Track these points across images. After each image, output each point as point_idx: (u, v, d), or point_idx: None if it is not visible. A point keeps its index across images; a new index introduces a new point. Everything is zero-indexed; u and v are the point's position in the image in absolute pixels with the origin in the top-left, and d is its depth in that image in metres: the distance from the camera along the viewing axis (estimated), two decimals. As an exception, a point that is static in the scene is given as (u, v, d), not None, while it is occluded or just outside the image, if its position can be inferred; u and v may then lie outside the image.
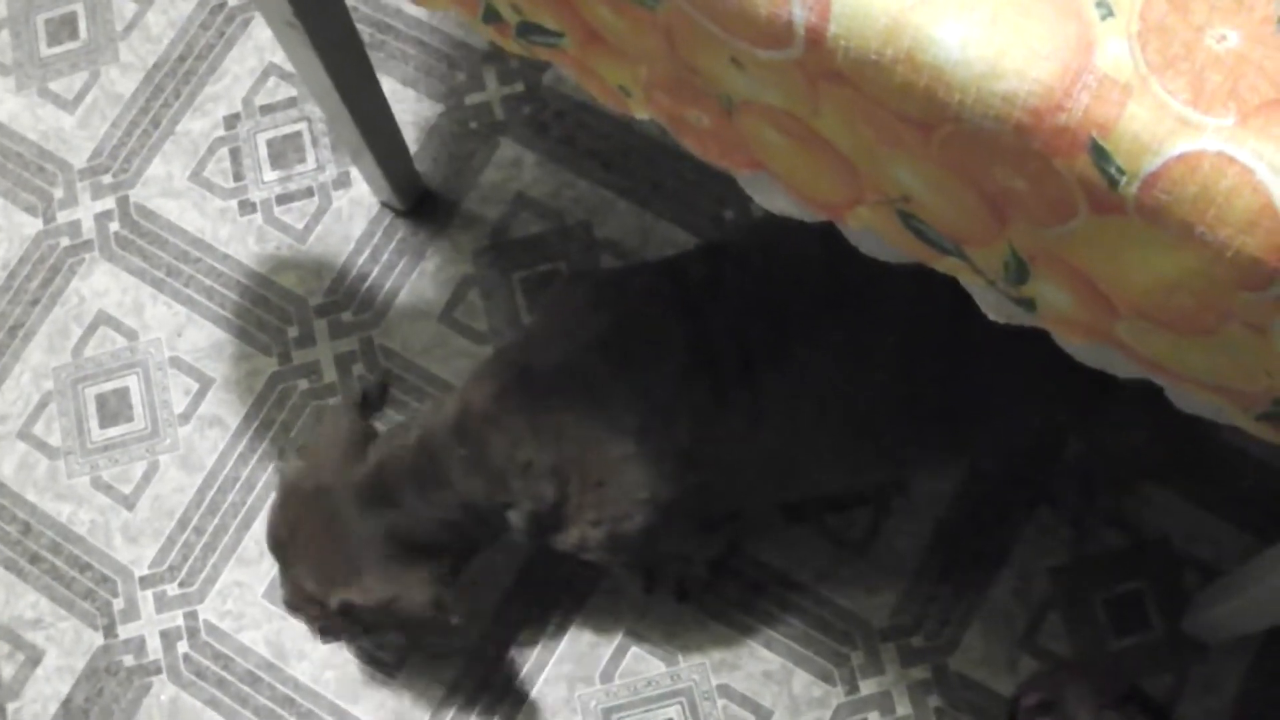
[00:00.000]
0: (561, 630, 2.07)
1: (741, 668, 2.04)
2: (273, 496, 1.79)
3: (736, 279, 1.64)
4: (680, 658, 2.06)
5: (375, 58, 2.31)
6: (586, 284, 1.71)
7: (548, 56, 1.30)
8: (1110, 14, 0.89)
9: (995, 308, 1.20)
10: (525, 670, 2.06)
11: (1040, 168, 0.94)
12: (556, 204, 2.23)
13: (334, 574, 1.71)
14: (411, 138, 2.27)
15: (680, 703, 2.04)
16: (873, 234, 1.21)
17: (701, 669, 2.05)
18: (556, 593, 2.09)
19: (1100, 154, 0.90)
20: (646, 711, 2.04)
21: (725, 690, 2.04)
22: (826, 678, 2.03)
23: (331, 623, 1.76)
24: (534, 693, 2.06)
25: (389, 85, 2.30)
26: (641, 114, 1.28)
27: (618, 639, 2.07)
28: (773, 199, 1.26)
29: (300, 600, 1.77)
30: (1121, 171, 0.90)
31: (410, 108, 2.29)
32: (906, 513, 2.08)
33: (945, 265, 1.19)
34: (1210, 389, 1.10)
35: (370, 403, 1.86)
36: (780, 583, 2.07)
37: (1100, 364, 1.19)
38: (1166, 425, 1.66)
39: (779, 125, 1.12)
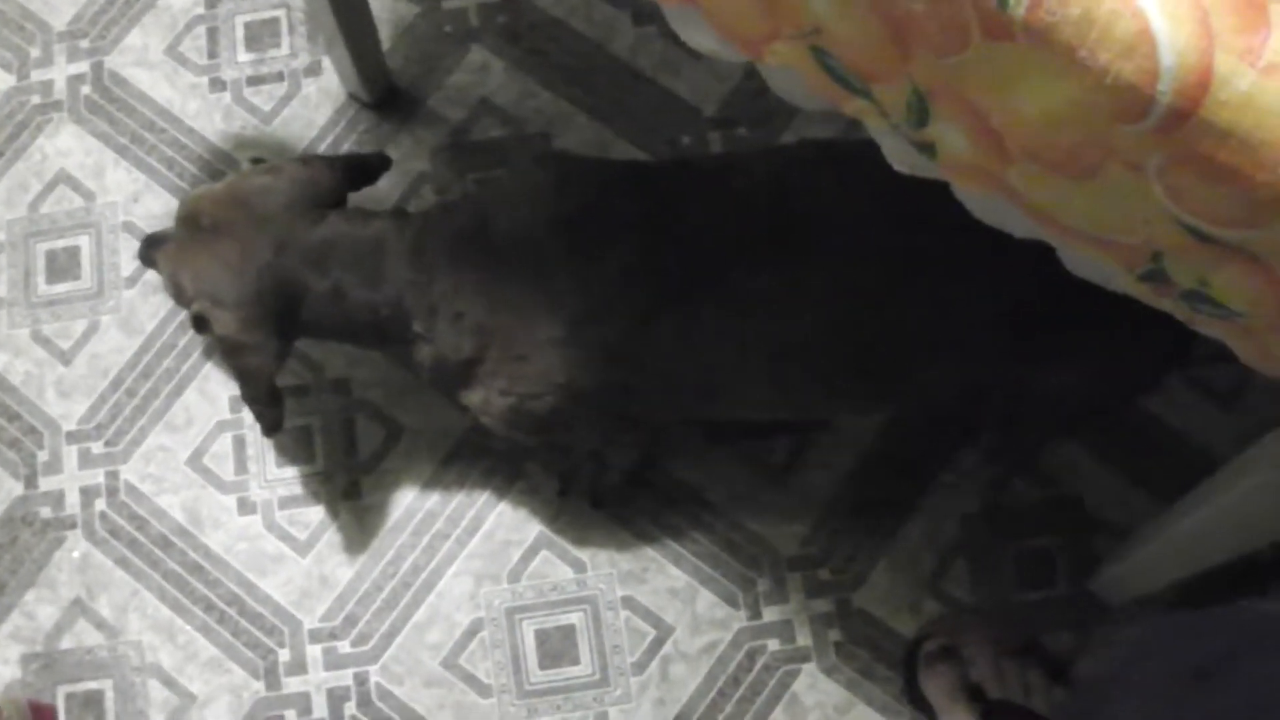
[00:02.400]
0: (475, 526, 2.09)
1: (648, 582, 2.06)
2: (223, 181, 1.76)
3: (694, 197, 1.65)
4: (589, 565, 2.07)
5: (360, -47, 2.33)
6: (556, 163, 1.72)
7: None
8: None
9: (900, 157, 1.22)
10: (434, 562, 2.07)
11: (937, -13, 0.96)
12: (519, 112, 2.25)
13: (215, 290, 1.69)
14: (386, 34, 2.29)
15: (584, 610, 2.05)
16: (789, 73, 1.23)
17: (609, 579, 2.06)
18: (473, 487, 2.10)
19: (992, -29, 0.92)
20: (549, 615, 2.05)
21: (629, 602, 2.05)
22: (730, 600, 2.05)
23: (197, 321, 1.75)
24: (440, 585, 2.07)
25: (370, -19, 2.32)
26: None
27: (529, 540, 2.08)
28: (698, 35, 1.27)
29: (171, 286, 1.75)
30: None
31: (388, 5, 2.31)
32: (828, 445, 2.09)
33: (853, 108, 1.20)
34: (1096, 244, 1.12)
35: (364, 174, 1.83)
36: (695, 500, 2.08)
37: (997, 221, 1.20)
38: (1092, 377, 1.67)
39: (700, -50, 1.14)
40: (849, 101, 1.20)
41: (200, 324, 1.73)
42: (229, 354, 1.71)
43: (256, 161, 1.79)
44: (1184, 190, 0.96)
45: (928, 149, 1.16)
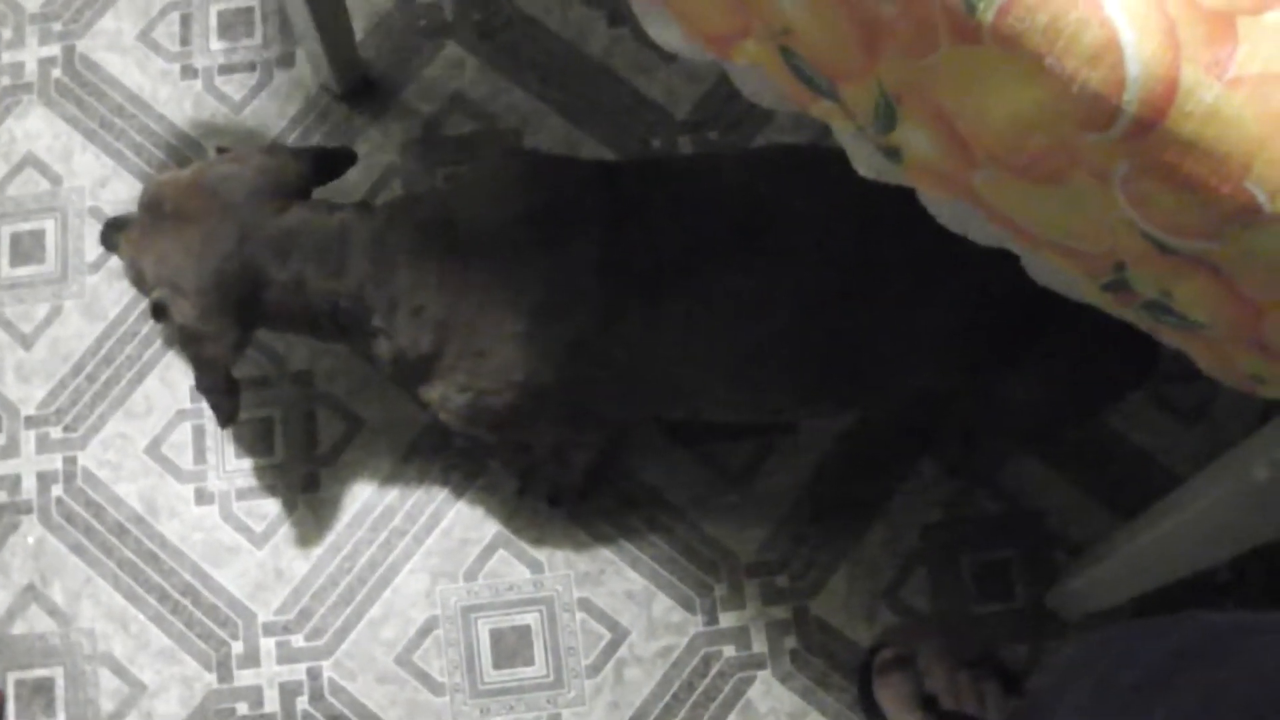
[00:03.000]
0: (433, 522, 2.08)
1: (605, 584, 2.05)
2: (188, 168, 1.74)
3: (663, 196, 1.64)
4: (546, 566, 2.06)
5: (336, -55, 2.33)
6: (524, 159, 1.72)
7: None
8: None
9: (866, 161, 1.22)
10: (391, 558, 2.07)
11: (906, -9, 0.96)
12: (491, 108, 2.25)
13: (175, 277, 1.68)
14: (359, 26, 2.28)
15: (540, 610, 2.05)
16: (756, 73, 1.23)
17: (565, 580, 2.05)
18: (432, 483, 2.09)
19: (962, -24, 0.92)
20: (505, 614, 2.05)
21: (586, 604, 2.04)
22: (687, 605, 2.04)
23: (155, 309, 1.74)
24: (396, 581, 2.06)
25: (345, -27, 2.32)
26: None
27: (487, 539, 2.07)
28: (667, 33, 1.27)
29: (132, 271, 1.74)
30: None
31: (363, -2, 2.31)
32: (789, 451, 2.09)
33: (820, 110, 1.20)
34: (1060, 252, 1.12)
35: (330, 167, 1.82)
36: (654, 503, 2.07)
37: (961, 227, 1.20)
38: (1056, 388, 1.67)
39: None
40: (816, 103, 1.19)
41: (159, 312, 1.72)
42: (187, 342, 1.70)
43: (222, 150, 1.78)
44: (1148, 200, 0.96)
45: (893, 153, 1.15)
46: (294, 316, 1.72)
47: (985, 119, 1.01)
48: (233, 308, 1.69)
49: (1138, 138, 0.91)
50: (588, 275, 1.61)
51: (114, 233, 1.78)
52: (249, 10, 2.32)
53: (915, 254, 1.56)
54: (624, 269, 1.61)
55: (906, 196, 1.25)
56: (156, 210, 1.72)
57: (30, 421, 2.14)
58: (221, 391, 1.74)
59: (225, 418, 1.77)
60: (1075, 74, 0.90)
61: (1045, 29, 0.90)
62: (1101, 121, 0.91)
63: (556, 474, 2.04)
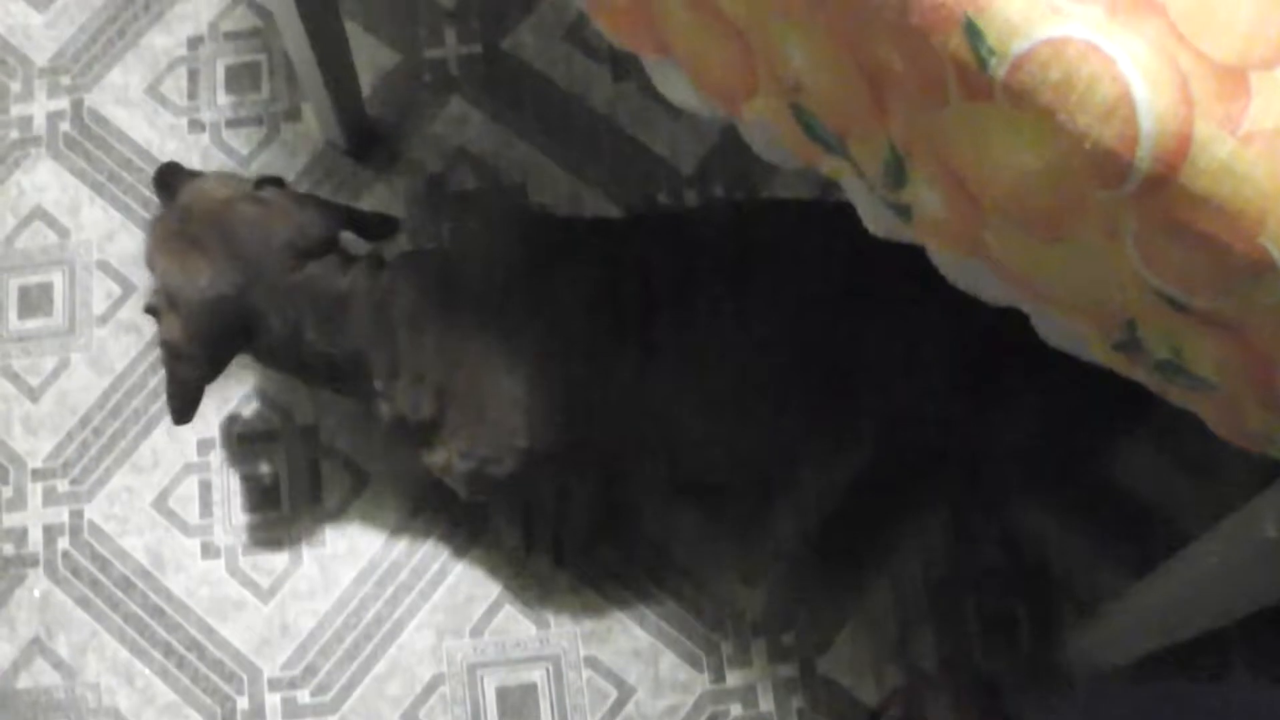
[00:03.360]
0: (439, 578, 2.07)
1: (611, 641, 2.04)
2: (228, 184, 1.76)
3: (655, 250, 1.65)
4: (552, 622, 2.05)
5: (342, 1, 2.33)
6: (520, 221, 1.72)
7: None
8: (997, -96, 0.92)
9: (876, 220, 1.22)
10: (397, 613, 2.06)
11: (917, 45, 0.96)
12: (495, 163, 2.25)
13: (174, 295, 1.68)
14: (366, 81, 2.30)
15: (547, 667, 2.04)
16: (766, 129, 1.23)
17: (572, 637, 2.05)
18: (438, 539, 2.09)
19: (973, 32, 0.92)
20: (511, 671, 2.04)
21: (592, 661, 2.04)
22: (694, 663, 2.03)
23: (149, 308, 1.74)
24: (402, 637, 2.05)
25: (352, 29, 2.33)
26: None
27: (493, 595, 2.07)
28: (677, 89, 1.27)
29: (146, 255, 1.73)
30: (992, 52, 0.91)
31: (369, 53, 2.32)
32: (794, 508, 2.08)
33: (830, 166, 1.20)
34: (1070, 310, 1.12)
35: (362, 230, 1.82)
36: (659, 559, 2.07)
37: (970, 285, 1.20)
38: (1054, 432, 1.67)
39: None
40: (826, 160, 1.20)
41: (151, 311, 1.73)
42: (166, 353, 1.71)
43: (269, 181, 1.78)
44: (1159, 256, 0.96)
45: (903, 211, 1.16)
46: (284, 362, 1.74)
47: (995, 175, 1.01)
48: (218, 342, 1.70)
49: (1150, 194, 0.91)
50: (580, 335, 1.62)
51: (169, 181, 1.80)
52: (256, 65, 2.33)
53: (906, 296, 1.57)
54: (616, 324, 1.62)
55: (898, 244, 1.25)
56: (184, 218, 1.73)
57: (37, 474, 2.14)
58: (185, 401, 1.75)
59: (179, 420, 1.77)
60: (1087, 130, 0.90)
61: (1058, 85, 0.90)
62: (1114, 178, 0.91)
63: (562, 532, 2.03)
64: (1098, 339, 1.14)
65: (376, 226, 1.84)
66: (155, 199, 2.21)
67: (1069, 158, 0.93)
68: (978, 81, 0.94)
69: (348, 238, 1.81)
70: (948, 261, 1.20)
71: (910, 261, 1.52)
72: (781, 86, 1.14)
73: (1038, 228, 1.03)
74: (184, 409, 1.75)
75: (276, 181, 1.80)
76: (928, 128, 1.02)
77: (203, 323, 1.68)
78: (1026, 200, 1.00)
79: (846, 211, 1.61)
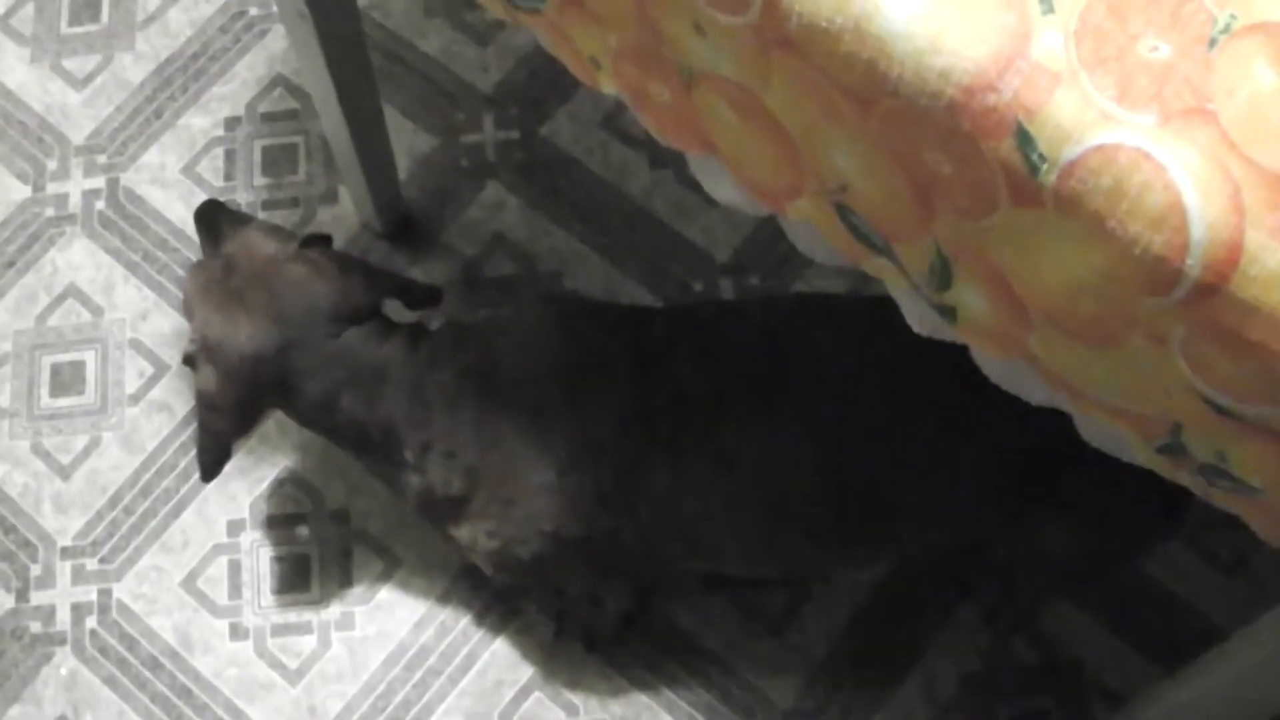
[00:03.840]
0: (469, 663, 2.07)
1: (640, 728, 2.04)
2: (276, 238, 1.76)
3: (689, 347, 1.65)
4: (581, 709, 2.05)
5: (381, 85, 2.35)
6: (557, 309, 1.72)
7: (527, 20, 1.33)
8: (1051, 10, 0.92)
9: (919, 319, 1.22)
10: (425, 698, 2.05)
11: (967, 151, 0.96)
12: (531, 249, 2.26)
13: (212, 347, 1.68)
14: (403, 165, 2.31)
15: (574, 754, 2.03)
16: (810, 228, 1.23)
17: (600, 723, 2.04)
18: (468, 623, 2.08)
19: (1024, 138, 0.92)
20: (539, 757, 2.03)
21: (620, 748, 2.03)
22: (723, 751, 2.03)
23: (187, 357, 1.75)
24: (430, 721, 2.05)
25: (390, 113, 2.34)
26: (609, 88, 1.31)
27: (522, 681, 2.06)
28: (720, 186, 1.28)
29: (185, 298, 1.73)
30: (1043, 158, 0.91)
31: (406, 137, 2.33)
32: (825, 597, 2.07)
33: (874, 267, 1.20)
34: (1114, 413, 1.11)
35: (406, 298, 1.83)
36: (690, 648, 2.06)
37: (1014, 386, 1.20)
38: (1090, 540, 1.66)
39: (732, 100, 1.15)
40: (870, 260, 1.20)
41: (189, 361, 1.74)
42: (202, 405, 1.72)
43: (317, 238, 1.79)
44: (1208, 364, 0.95)
45: (948, 312, 1.15)
46: (316, 424, 1.74)
47: (1042, 281, 1.01)
48: (254, 398, 1.71)
49: (1199, 302, 0.91)
50: (612, 428, 1.61)
51: (213, 219, 1.80)
52: (293, 146, 2.34)
53: (940, 401, 1.56)
54: (648, 422, 1.61)
55: (931, 345, 1.25)
56: (228, 269, 1.73)
57: (66, 553, 2.14)
58: (214, 457, 1.75)
59: (208, 477, 1.77)
60: (1138, 237, 0.90)
61: (1109, 192, 0.90)
62: (1163, 286, 0.91)
63: (591, 618, 2.03)
64: (1140, 441, 1.13)
65: (421, 296, 1.84)
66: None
67: (1118, 265, 0.93)
68: (1028, 187, 0.94)
69: (392, 305, 1.81)
70: (991, 361, 1.20)
71: (950, 358, 1.52)
72: (825, 188, 1.14)
73: (1085, 334, 1.03)
74: (213, 464, 1.75)
75: (324, 239, 1.80)
76: (975, 233, 1.02)
77: (239, 378, 1.68)
78: (1074, 306, 1.00)
79: (886, 307, 1.60)
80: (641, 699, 2.05)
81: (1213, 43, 0.90)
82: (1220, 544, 2.07)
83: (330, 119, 1.98)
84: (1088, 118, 0.90)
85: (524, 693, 2.06)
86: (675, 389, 1.62)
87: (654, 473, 1.61)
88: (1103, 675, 2.03)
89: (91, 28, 2.43)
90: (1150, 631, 2.05)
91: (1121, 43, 0.91)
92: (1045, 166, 0.92)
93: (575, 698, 2.05)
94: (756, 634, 2.07)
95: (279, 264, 1.72)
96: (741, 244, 2.25)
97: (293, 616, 2.10)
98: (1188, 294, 0.91)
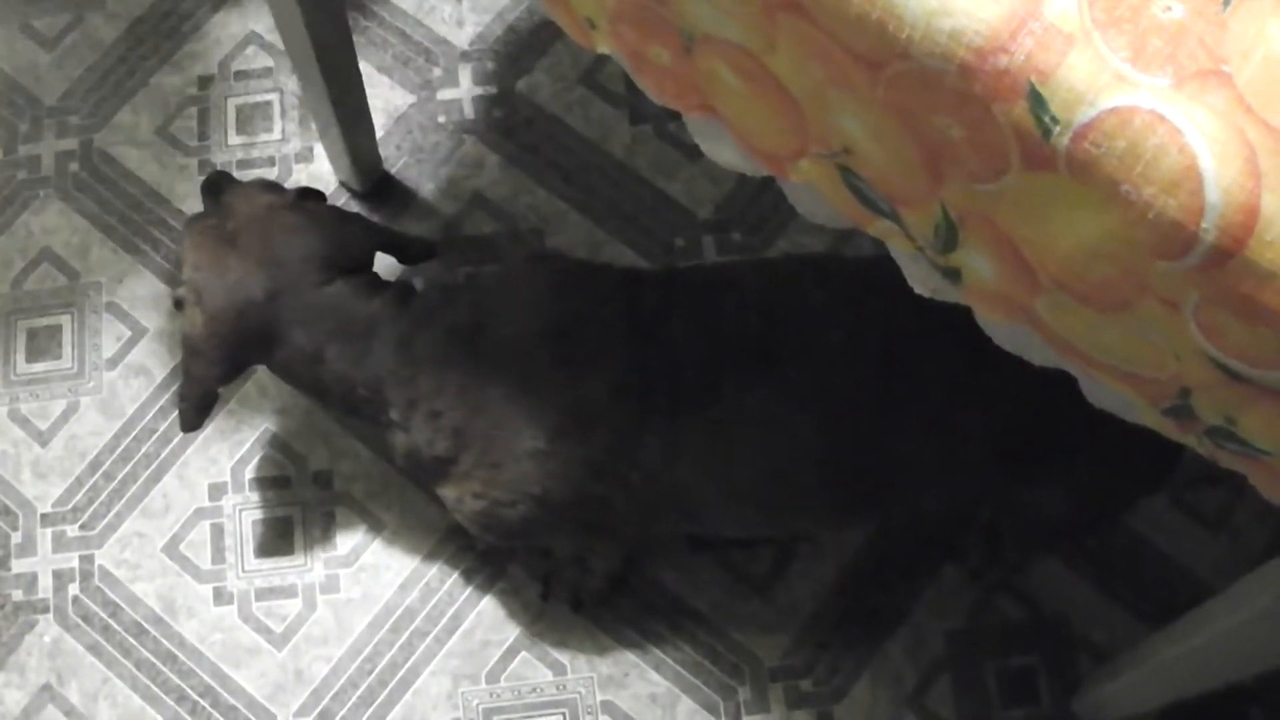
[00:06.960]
0: (455, 624, 2.06)
1: (628, 687, 2.03)
2: (273, 190, 1.75)
3: (684, 312, 1.63)
4: (568, 668, 2.04)
5: (357, 41, 2.33)
6: (551, 269, 1.70)
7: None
8: (1063, -30, 0.91)
9: (922, 280, 1.21)
10: (412, 659, 2.05)
11: (979, 114, 0.95)
12: (512, 208, 2.24)
13: (201, 290, 1.68)
14: (380, 123, 2.29)
15: (563, 713, 2.02)
16: (811, 190, 1.22)
17: (588, 683, 2.03)
18: (454, 585, 2.07)
19: (1037, 101, 0.91)
20: (527, 717, 2.02)
21: (609, 707, 2.02)
22: (711, 709, 2.02)
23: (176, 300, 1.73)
24: (417, 683, 2.04)
25: (366, 70, 2.32)
26: (604, 48, 1.29)
27: (509, 641, 2.05)
28: (720, 148, 1.26)
29: (182, 248, 1.72)
30: (1055, 120, 0.90)
31: (383, 94, 2.31)
32: (811, 556, 2.07)
33: (878, 229, 1.19)
34: (1121, 377, 1.11)
35: (401, 254, 1.82)
36: (676, 607, 2.06)
37: (1018, 349, 1.19)
38: (1082, 501, 1.66)
39: (734, 64, 1.13)
40: (874, 223, 1.19)
41: (178, 303, 1.72)
42: (186, 349, 1.71)
43: (311, 193, 1.78)
44: (1221, 329, 0.95)
45: (952, 274, 1.15)
46: (302, 380, 1.72)
47: (1053, 245, 1.00)
48: (239, 346, 1.69)
49: (1214, 267, 0.90)
50: (607, 396, 1.60)
51: (215, 189, 1.80)
52: (267, 105, 2.32)
53: (937, 364, 1.55)
54: (643, 390, 1.60)
55: (932, 305, 1.24)
56: (223, 217, 1.72)
57: (46, 519, 2.12)
58: (196, 405, 1.74)
59: (188, 426, 1.76)
60: (1152, 200, 0.89)
61: (1123, 155, 0.89)
62: (1177, 249, 0.90)
63: (578, 579, 2.02)
64: (1147, 404, 1.13)
65: (414, 250, 1.83)
66: (164, 240, 2.21)
67: (1131, 229, 0.92)
68: (1040, 151, 0.93)
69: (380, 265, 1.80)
70: (995, 325, 1.19)
71: (948, 319, 1.51)
72: (830, 149, 1.13)
73: (1095, 298, 1.02)
74: (194, 413, 1.74)
75: (317, 195, 1.79)
76: (985, 196, 1.01)
77: (225, 323, 1.67)
78: (1085, 271, 0.99)
79: (883, 268, 1.59)
80: (629, 657, 2.04)
81: (1226, 2, 0.89)
82: (1204, 499, 2.08)
83: (306, 76, 1.95)
84: (1101, 80, 0.89)
85: (510, 653, 2.05)
86: (671, 357, 1.60)
87: (649, 441, 1.59)
88: (1088, 630, 2.04)
89: (61, -14, 2.40)
90: (1135, 586, 2.05)
91: (1135, 3, 0.90)
92: (1058, 129, 0.90)
93: (562, 657, 2.05)
94: (743, 594, 2.06)
95: (276, 210, 1.71)
96: (723, 200, 2.24)
97: (277, 580, 2.09)
98: (1202, 259, 0.90)
